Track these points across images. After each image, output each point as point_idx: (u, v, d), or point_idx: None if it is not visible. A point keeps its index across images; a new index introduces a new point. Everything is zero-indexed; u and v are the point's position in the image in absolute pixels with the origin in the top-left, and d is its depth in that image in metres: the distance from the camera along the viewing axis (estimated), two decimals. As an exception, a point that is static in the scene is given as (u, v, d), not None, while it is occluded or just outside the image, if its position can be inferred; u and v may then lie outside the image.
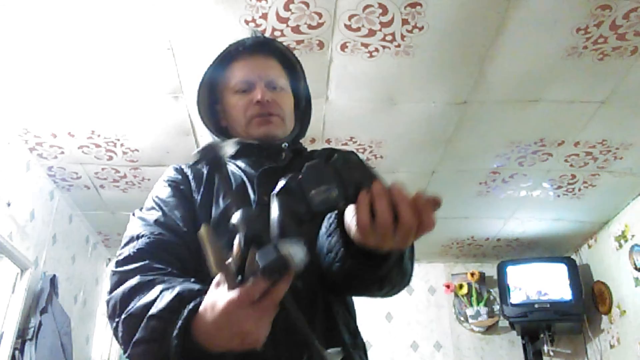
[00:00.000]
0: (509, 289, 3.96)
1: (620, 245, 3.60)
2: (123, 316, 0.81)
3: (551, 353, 3.82)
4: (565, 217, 3.69)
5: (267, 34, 2.18)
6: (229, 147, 0.89)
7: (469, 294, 4.26)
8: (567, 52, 2.28)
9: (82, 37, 2.19)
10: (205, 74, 1.20)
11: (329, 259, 0.86)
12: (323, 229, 0.88)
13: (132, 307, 0.80)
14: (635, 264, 3.38)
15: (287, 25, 2.15)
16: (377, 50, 2.27)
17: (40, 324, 2.92)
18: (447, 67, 2.37)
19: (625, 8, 2.06)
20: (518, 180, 3.27)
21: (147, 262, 0.88)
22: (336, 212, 0.82)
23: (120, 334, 0.82)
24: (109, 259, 4.34)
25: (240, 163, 1.10)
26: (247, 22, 2.13)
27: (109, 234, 3.98)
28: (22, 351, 2.81)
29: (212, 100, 1.20)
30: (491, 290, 4.30)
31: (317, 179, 0.70)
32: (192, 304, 0.74)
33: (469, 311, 4.21)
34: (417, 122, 2.73)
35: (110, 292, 0.88)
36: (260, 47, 1.18)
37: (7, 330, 2.81)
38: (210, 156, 0.79)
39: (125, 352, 0.81)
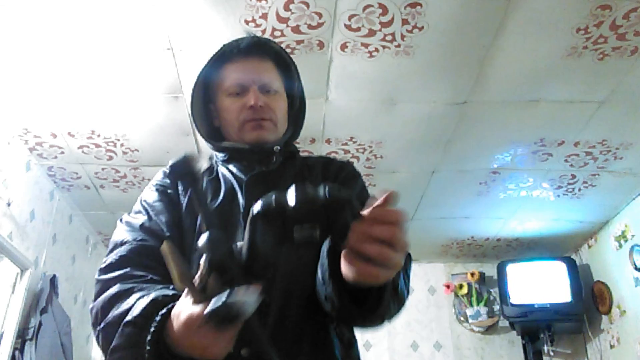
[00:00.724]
0: (509, 289, 3.96)
1: (620, 245, 3.60)
2: (102, 325, 0.84)
3: (551, 353, 3.82)
4: (565, 217, 3.69)
5: (267, 34, 2.18)
6: (202, 162, 0.91)
7: (469, 294, 4.27)
8: (567, 52, 2.28)
9: (82, 37, 2.19)
10: (200, 73, 1.18)
11: (328, 307, 0.87)
12: (318, 275, 0.87)
13: (110, 316, 0.83)
14: (635, 264, 3.38)
15: (287, 25, 2.15)
16: (377, 50, 2.27)
17: (40, 324, 2.92)
18: (447, 67, 2.37)
19: (625, 8, 2.06)
20: (518, 180, 3.27)
21: (127, 269, 0.90)
22: (327, 257, 0.82)
23: (100, 343, 0.84)
24: (109, 259, 4.34)
25: (231, 167, 1.10)
26: (247, 22, 2.13)
27: (109, 234, 3.93)
28: (22, 351, 2.81)
29: (205, 99, 1.19)
30: (491, 290, 4.30)
31: (302, 214, 0.66)
32: (164, 310, 0.76)
33: (469, 311, 4.21)
34: (417, 122, 2.73)
35: (94, 299, 0.90)
36: (256, 48, 1.16)
37: (7, 330, 2.81)
38: (182, 171, 0.77)
39: (103, 350, 0.83)
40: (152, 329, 0.75)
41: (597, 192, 3.35)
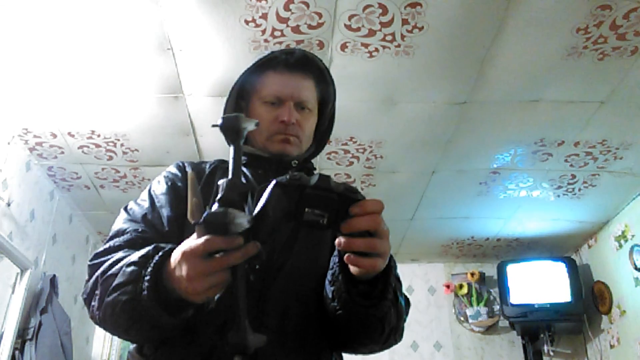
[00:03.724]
0: (508, 289, 3.96)
1: (620, 245, 3.60)
2: (103, 278, 0.86)
3: (551, 353, 3.82)
4: (565, 217, 3.69)
5: (267, 34, 2.18)
6: (250, 125, 0.93)
7: (469, 294, 4.27)
8: (567, 52, 2.28)
9: (82, 36, 2.19)
10: (243, 73, 1.18)
11: (332, 307, 0.91)
12: (328, 277, 0.92)
13: (112, 269, 0.85)
14: (635, 264, 3.38)
15: (287, 25, 2.15)
16: (377, 50, 2.27)
17: (40, 324, 2.93)
18: (447, 67, 2.37)
19: (625, 8, 2.06)
20: (518, 180, 3.27)
21: (126, 251, 0.91)
22: (337, 260, 0.87)
23: (98, 296, 0.86)
24: (109, 259, 4.34)
25: (247, 172, 1.11)
26: (247, 22, 2.13)
27: (109, 234, 3.97)
28: (22, 351, 2.81)
29: (239, 95, 1.19)
30: (491, 290, 4.30)
31: (318, 200, 0.72)
32: (167, 248, 0.81)
33: (469, 311, 4.21)
34: (417, 122, 2.73)
35: (88, 279, 0.91)
36: (302, 64, 1.17)
37: (7, 330, 2.81)
38: (229, 125, 0.78)
39: (99, 308, 0.85)
40: (152, 264, 0.79)
41: (597, 192, 3.35)
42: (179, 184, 1.06)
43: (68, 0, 2.03)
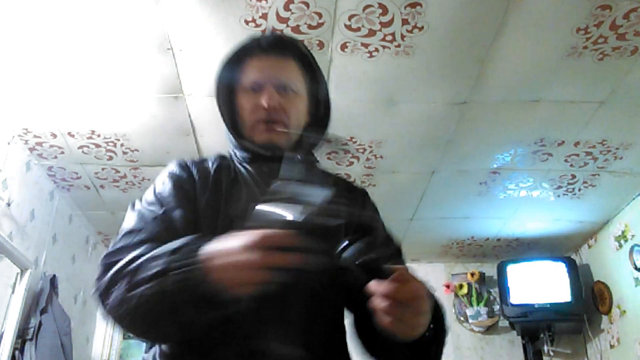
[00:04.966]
0: (508, 289, 3.96)
1: (620, 245, 3.60)
2: (127, 270, 0.81)
3: (551, 353, 3.82)
4: (565, 217, 3.69)
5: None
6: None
7: (469, 294, 4.27)
8: (567, 52, 2.28)
9: (82, 36, 2.19)
10: (220, 67, 1.13)
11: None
12: (356, 327, 0.93)
13: (137, 262, 0.81)
14: (635, 264, 3.38)
15: (287, 25, 2.15)
16: (377, 50, 2.27)
17: (40, 324, 2.92)
18: (447, 67, 2.37)
19: (625, 8, 2.06)
20: (518, 180, 3.27)
21: (147, 247, 0.86)
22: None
23: (120, 290, 0.81)
24: (109, 259, 4.34)
25: (252, 170, 1.06)
26: (247, 22, 2.13)
27: (109, 234, 3.98)
28: (22, 351, 2.81)
29: (230, 91, 1.14)
30: (491, 290, 4.30)
31: (359, 251, 0.77)
32: (205, 238, 0.79)
33: (469, 311, 4.21)
34: (417, 122, 2.73)
35: (102, 276, 0.86)
36: (277, 46, 1.12)
37: (7, 330, 2.81)
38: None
39: (121, 303, 0.80)
40: (192, 254, 0.76)
41: (597, 192, 3.35)
42: (186, 185, 1.02)
43: (68, 1, 2.03)
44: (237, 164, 1.09)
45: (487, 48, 2.26)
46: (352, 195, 1.11)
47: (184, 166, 1.07)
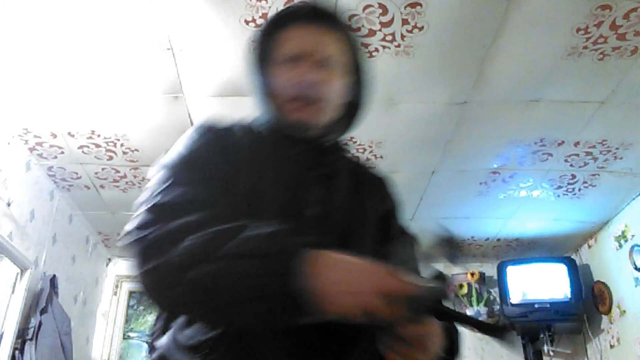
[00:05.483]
0: (508, 289, 3.96)
1: (620, 245, 3.60)
2: (217, 230, 0.72)
3: (551, 353, 3.82)
4: (565, 217, 3.69)
5: (267, 34, 2.18)
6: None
7: (469, 294, 4.26)
8: (567, 52, 2.28)
9: (82, 36, 2.19)
10: (255, 36, 1.02)
11: None
12: None
13: (227, 227, 0.72)
14: (635, 264, 3.38)
15: (287, 25, 2.15)
16: (377, 50, 2.27)
17: (40, 324, 2.92)
18: (447, 67, 2.37)
19: (625, 8, 2.05)
20: (518, 180, 3.27)
21: (210, 214, 0.76)
22: None
23: (185, 258, 0.71)
24: (109, 259, 4.34)
25: (282, 150, 0.95)
26: (247, 22, 2.13)
27: (109, 234, 3.98)
28: (22, 351, 2.81)
29: (263, 63, 1.01)
30: (491, 290, 4.30)
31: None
32: (310, 239, 0.71)
33: (469, 311, 4.21)
34: (417, 122, 2.73)
35: (150, 226, 0.75)
36: (319, 16, 1.00)
37: (7, 330, 2.81)
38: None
39: (182, 269, 0.70)
40: (296, 250, 0.68)
41: (597, 192, 3.35)
42: (223, 154, 0.89)
43: (68, 1, 2.03)
44: (262, 138, 0.97)
45: (487, 48, 2.26)
46: (377, 186, 1.07)
47: (219, 133, 0.94)
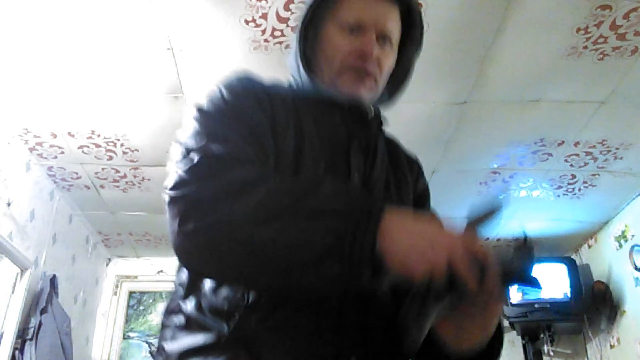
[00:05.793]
0: (508, 289, 3.95)
1: (620, 245, 3.60)
2: (275, 187, 0.68)
3: (551, 353, 3.81)
4: (565, 217, 3.69)
5: (267, 34, 2.18)
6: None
7: (469, 294, 4.26)
8: (567, 52, 2.28)
9: (82, 36, 2.19)
10: None
11: None
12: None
13: (288, 186, 0.68)
14: (635, 264, 3.38)
15: (287, 25, 2.15)
16: (377, 50, 2.27)
17: (40, 324, 2.93)
18: (447, 67, 2.37)
19: (625, 8, 2.05)
20: (518, 180, 3.27)
21: (259, 169, 0.72)
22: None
23: (269, 208, 0.66)
24: (109, 259, 4.34)
25: (320, 114, 0.92)
26: (247, 22, 2.13)
27: (109, 234, 3.98)
28: (22, 351, 2.81)
29: (308, 20, 0.97)
30: (491, 290, 4.30)
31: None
32: (377, 203, 0.68)
33: (469, 311, 4.21)
34: (417, 122, 2.73)
35: (195, 180, 0.69)
36: None
37: (7, 330, 2.81)
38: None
39: (263, 221, 0.65)
40: (377, 210, 0.65)
41: (597, 192, 3.35)
42: (259, 111, 0.84)
43: (68, 1, 2.03)
44: (299, 99, 0.94)
45: (487, 48, 2.26)
46: (410, 166, 1.05)
47: (259, 88, 0.90)
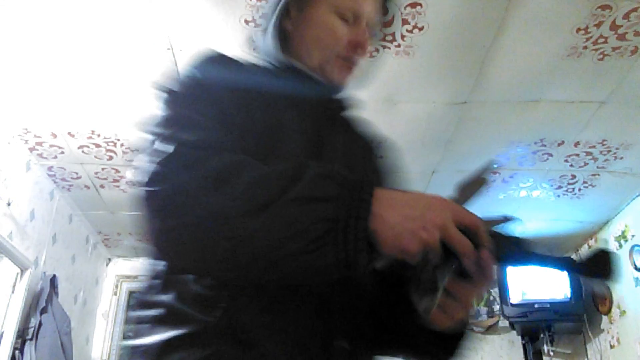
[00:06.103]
0: (508, 289, 3.96)
1: (620, 245, 3.60)
2: (261, 174, 0.65)
3: (551, 353, 3.81)
4: (565, 217, 3.69)
5: (267, 34, 2.17)
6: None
7: (469, 294, 4.26)
8: (567, 52, 2.28)
9: (82, 37, 2.19)
10: None
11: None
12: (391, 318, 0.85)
13: (301, 172, 0.65)
14: (635, 264, 3.38)
15: (287, 25, 2.15)
16: (377, 50, 2.27)
17: (40, 324, 2.92)
18: (447, 67, 2.37)
19: (625, 8, 2.06)
20: (518, 180, 3.27)
21: (241, 156, 0.68)
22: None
23: (257, 197, 0.63)
24: (109, 259, 4.34)
25: (296, 93, 0.89)
26: (247, 22, 2.13)
27: (109, 234, 3.98)
28: (22, 351, 2.81)
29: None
30: (491, 290, 4.30)
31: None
32: (364, 183, 0.67)
33: (469, 311, 4.21)
34: (417, 122, 2.73)
35: (176, 170, 0.65)
36: None
37: (7, 330, 2.81)
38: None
39: (253, 212, 0.62)
40: (364, 189, 0.64)
41: (597, 192, 3.35)
42: (246, 94, 0.81)
43: (68, 1, 2.03)
44: (275, 75, 0.92)
45: (487, 48, 2.26)
46: (377, 147, 1.08)
47: (228, 64, 0.86)
